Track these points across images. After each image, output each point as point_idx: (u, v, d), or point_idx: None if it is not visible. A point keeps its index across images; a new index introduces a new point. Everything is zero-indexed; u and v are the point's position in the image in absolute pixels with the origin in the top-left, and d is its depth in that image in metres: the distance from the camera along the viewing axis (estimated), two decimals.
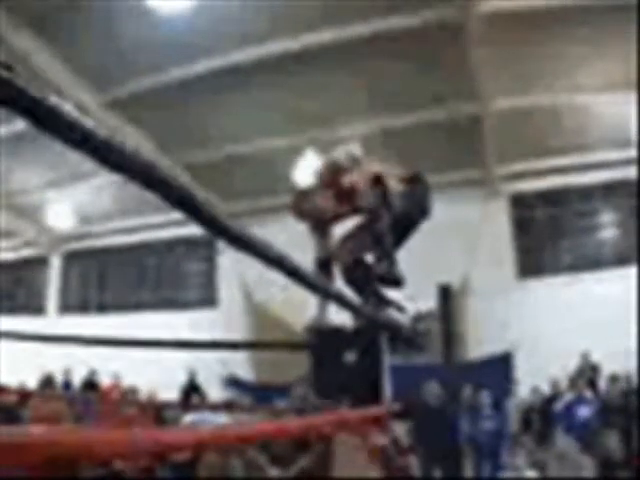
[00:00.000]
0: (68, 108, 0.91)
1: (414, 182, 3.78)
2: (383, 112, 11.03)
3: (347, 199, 3.69)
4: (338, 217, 3.86)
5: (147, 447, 1.19)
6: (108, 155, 1.00)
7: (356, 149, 3.74)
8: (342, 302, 2.70)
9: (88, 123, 0.94)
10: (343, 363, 3.46)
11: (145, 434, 1.24)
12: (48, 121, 0.88)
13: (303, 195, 3.64)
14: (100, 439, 1.04)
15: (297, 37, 9.34)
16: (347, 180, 3.61)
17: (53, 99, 0.88)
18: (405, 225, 3.70)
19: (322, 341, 3.66)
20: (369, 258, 3.87)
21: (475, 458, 9.51)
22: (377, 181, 3.66)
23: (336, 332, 3.68)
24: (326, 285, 3.03)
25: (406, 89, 10.41)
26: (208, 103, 10.58)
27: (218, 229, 1.42)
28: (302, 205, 3.65)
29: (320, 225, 3.85)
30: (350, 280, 3.87)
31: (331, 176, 3.64)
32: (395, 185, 3.67)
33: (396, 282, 3.60)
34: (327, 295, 2.93)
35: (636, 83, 9.60)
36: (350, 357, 3.44)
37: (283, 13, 8.87)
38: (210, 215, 1.36)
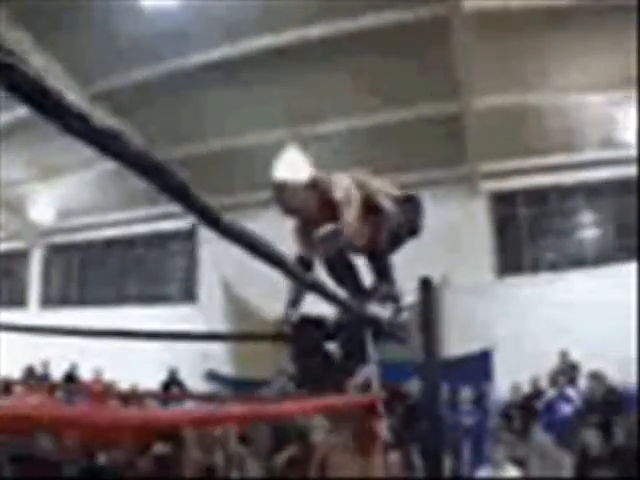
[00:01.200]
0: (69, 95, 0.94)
1: (407, 202, 3.89)
2: (369, 109, 11.05)
3: (330, 210, 3.72)
4: (319, 222, 3.90)
5: (129, 420, 1.23)
6: (108, 143, 1.03)
7: (347, 180, 3.79)
8: (323, 293, 2.74)
9: (89, 111, 0.97)
10: (327, 355, 3.50)
11: (128, 410, 1.29)
12: (50, 107, 0.91)
13: (291, 191, 3.66)
14: (85, 412, 1.08)
15: (285, 32, 9.34)
16: (337, 195, 3.67)
17: (54, 85, 0.91)
18: (393, 242, 3.84)
19: (304, 333, 3.69)
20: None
21: (456, 454, 9.56)
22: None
23: (318, 324, 3.72)
24: (310, 277, 3.06)
25: (390, 86, 10.43)
26: (194, 98, 10.56)
27: (210, 219, 1.45)
28: (289, 200, 3.68)
29: (303, 226, 3.88)
30: (332, 276, 3.92)
31: (320, 192, 3.71)
32: (389, 205, 3.78)
33: (394, 300, 3.98)
34: (308, 286, 2.97)
35: (636, 83, 9.62)
36: (333, 349, 3.49)
37: (272, 8, 8.88)
38: (202, 205, 1.39)
